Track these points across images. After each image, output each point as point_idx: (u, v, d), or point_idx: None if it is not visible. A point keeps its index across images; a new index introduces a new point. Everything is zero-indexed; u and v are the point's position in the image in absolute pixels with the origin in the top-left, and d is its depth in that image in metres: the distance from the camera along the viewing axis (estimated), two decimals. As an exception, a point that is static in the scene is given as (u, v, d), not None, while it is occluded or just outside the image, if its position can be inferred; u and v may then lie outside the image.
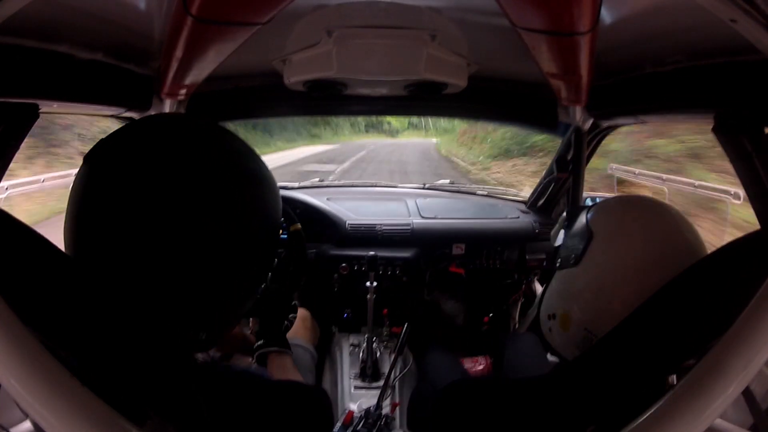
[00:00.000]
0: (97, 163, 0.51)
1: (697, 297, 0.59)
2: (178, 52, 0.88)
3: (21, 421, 0.73)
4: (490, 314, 2.18)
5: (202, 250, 0.50)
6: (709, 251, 0.69)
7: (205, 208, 0.50)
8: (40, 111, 0.89)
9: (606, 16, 0.84)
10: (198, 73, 1.07)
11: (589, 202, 1.91)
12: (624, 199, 0.84)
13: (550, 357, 1.72)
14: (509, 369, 1.60)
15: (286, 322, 1.17)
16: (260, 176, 0.56)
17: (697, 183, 1.86)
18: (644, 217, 0.75)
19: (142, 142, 0.52)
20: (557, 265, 0.83)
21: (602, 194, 2.10)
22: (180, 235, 0.49)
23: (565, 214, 0.89)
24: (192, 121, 0.57)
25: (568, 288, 0.80)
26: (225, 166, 0.53)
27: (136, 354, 0.49)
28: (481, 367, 1.83)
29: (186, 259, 0.50)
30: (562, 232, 0.88)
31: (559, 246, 0.85)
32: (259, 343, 1.09)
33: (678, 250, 0.71)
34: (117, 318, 0.48)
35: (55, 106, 0.96)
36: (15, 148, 0.88)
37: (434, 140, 18.70)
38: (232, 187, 0.52)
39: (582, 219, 0.81)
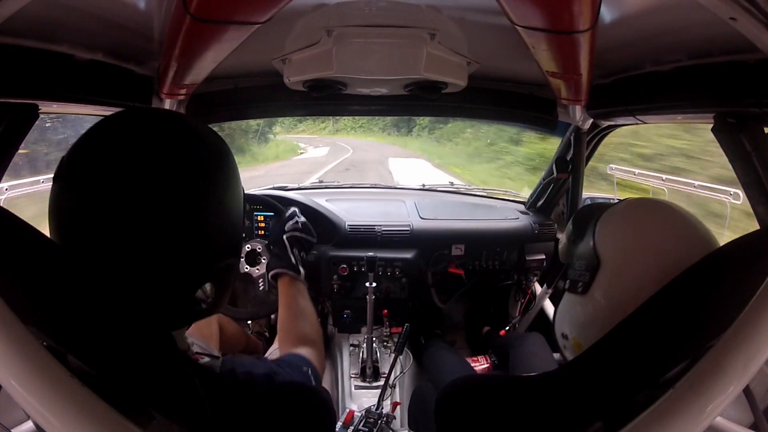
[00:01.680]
0: (64, 177, 0.54)
1: (697, 297, 0.59)
2: (178, 52, 0.88)
3: (23, 421, 0.73)
4: (488, 327, 2.18)
5: (154, 241, 0.52)
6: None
7: (151, 202, 0.52)
8: (40, 111, 0.89)
9: (606, 14, 0.84)
10: (198, 73, 1.07)
11: (588, 203, 1.91)
12: (630, 209, 0.77)
13: (557, 356, 1.73)
14: (516, 368, 1.60)
15: (301, 254, 1.22)
16: (211, 172, 0.58)
17: (697, 183, 1.86)
18: (654, 234, 0.69)
19: (98, 151, 0.54)
20: (566, 287, 0.80)
21: (602, 195, 2.10)
22: (136, 228, 0.52)
23: (571, 224, 0.84)
24: (152, 119, 0.58)
25: (577, 317, 0.77)
26: (175, 164, 0.54)
27: (128, 347, 0.50)
28: (483, 367, 1.83)
29: (143, 249, 0.52)
30: (564, 246, 0.86)
31: (567, 264, 0.82)
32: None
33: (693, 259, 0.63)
34: (105, 312, 0.49)
35: (54, 107, 0.96)
36: (15, 148, 0.88)
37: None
38: (182, 183, 0.54)
39: (588, 239, 0.76)
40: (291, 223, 1.24)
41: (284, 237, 1.22)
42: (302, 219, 1.27)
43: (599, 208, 0.80)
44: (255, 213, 1.90)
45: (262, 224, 1.91)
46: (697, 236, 0.68)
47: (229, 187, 0.60)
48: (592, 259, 0.73)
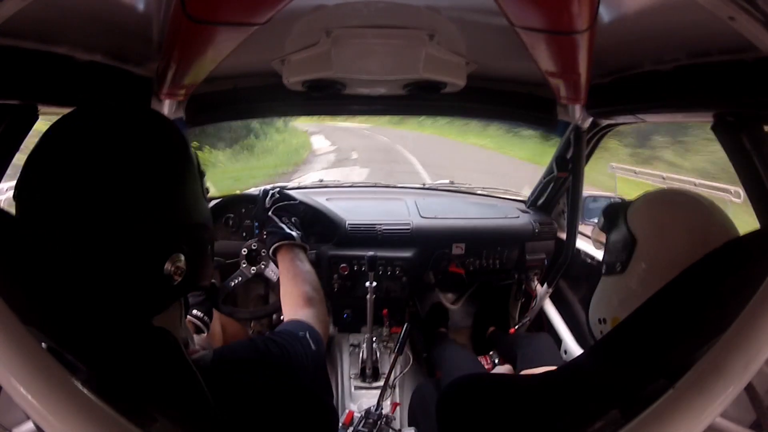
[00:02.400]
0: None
1: (697, 295, 0.59)
2: (177, 53, 0.88)
3: (23, 421, 0.73)
4: (493, 327, 2.18)
5: (107, 213, 0.53)
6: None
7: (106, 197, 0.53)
8: (39, 112, 0.89)
9: (604, 14, 0.84)
10: (197, 74, 1.07)
11: (589, 201, 1.91)
12: (659, 196, 0.82)
13: (564, 355, 1.73)
14: (525, 367, 1.60)
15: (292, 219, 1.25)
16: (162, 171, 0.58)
17: (697, 182, 1.87)
18: (686, 217, 0.75)
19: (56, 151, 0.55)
20: (603, 271, 0.83)
21: (604, 194, 2.10)
22: (89, 205, 0.52)
23: (602, 215, 0.88)
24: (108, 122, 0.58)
25: (616, 294, 0.80)
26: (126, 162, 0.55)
27: (125, 345, 0.50)
28: (486, 367, 1.83)
29: (99, 223, 0.53)
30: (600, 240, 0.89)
31: (604, 252, 0.85)
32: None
33: (719, 238, 0.68)
34: (96, 307, 0.50)
35: (53, 108, 0.96)
36: (15, 148, 0.88)
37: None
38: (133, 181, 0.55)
39: (621, 224, 0.80)
40: (268, 198, 1.28)
41: (269, 213, 1.24)
42: (275, 188, 1.31)
43: (625, 202, 0.84)
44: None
45: None
46: (720, 215, 0.74)
47: (176, 156, 0.61)
48: (628, 239, 0.78)
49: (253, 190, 2.06)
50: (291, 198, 1.30)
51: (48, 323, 0.47)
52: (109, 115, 0.58)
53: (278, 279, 1.76)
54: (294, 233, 1.19)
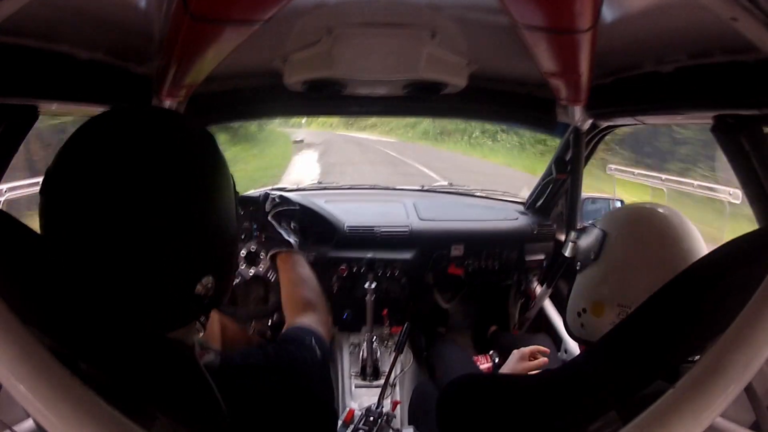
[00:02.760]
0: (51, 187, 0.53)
1: (697, 295, 0.59)
2: (178, 52, 0.88)
3: (24, 418, 0.73)
4: (495, 327, 2.18)
5: (145, 237, 0.51)
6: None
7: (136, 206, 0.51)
8: (40, 111, 0.89)
9: (606, 14, 0.84)
10: (198, 73, 1.07)
11: (588, 203, 1.92)
12: (629, 207, 0.92)
13: (563, 355, 1.73)
14: None
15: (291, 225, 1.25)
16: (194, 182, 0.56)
17: (696, 183, 1.87)
18: (650, 215, 0.84)
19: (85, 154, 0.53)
20: (578, 268, 0.90)
21: (602, 196, 2.10)
22: (129, 228, 0.51)
23: (573, 233, 0.98)
24: (135, 117, 0.57)
25: (593, 280, 0.87)
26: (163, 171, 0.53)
27: (132, 348, 0.49)
28: (484, 366, 1.83)
29: (136, 246, 0.51)
30: (571, 245, 0.97)
31: (575, 255, 0.93)
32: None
33: (685, 234, 0.80)
34: (108, 314, 0.49)
35: (54, 107, 0.96)
36: (15, 148, 0.88)
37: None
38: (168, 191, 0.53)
39: (592, 229, 0.89)
40: (268, 203, 1.27)
41: (269, 218, 1.24)
42: (276, 193, 1.30)
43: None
44: (254, 214, 1.90)
45: None
46: (690, 228, 0.82)
47: (218, 178, 0.60)
48: (598, 235, 0.86)
49: (253, 193, 2.06)
50: (291, 203, 1.29)
51: (56, 324, 0.47)
52: (152, 132, 0.55)
53: (276, 279, 1.77)
54: (292, 240, 1.19)
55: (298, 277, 1.11)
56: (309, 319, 0.93)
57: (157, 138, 0.55)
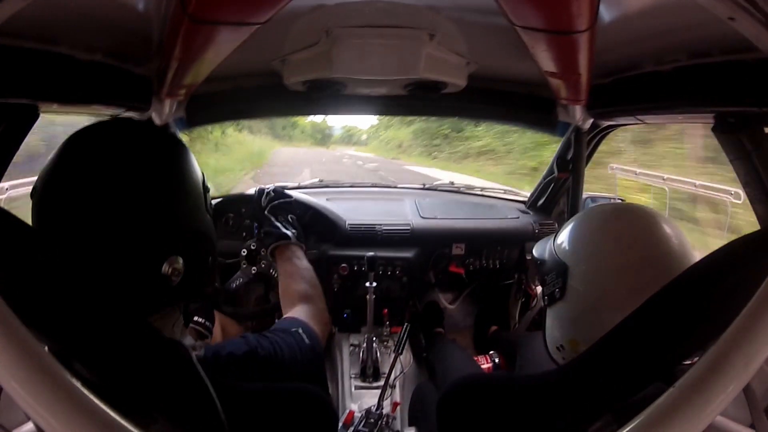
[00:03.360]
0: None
1: (697, 296, 0.59)
2: (177, 53, 0.88)
3: (23, 422, 0.73)
4: (496, 327, 2.18)
5: (111, 212, 0.58)
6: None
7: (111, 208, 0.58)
8: (40, 111, 0.89)
9: (605, 14, 0.84)
10: (197, 74, 1.07)
11: (589, 202, 1.91)
12: (578, 219, 0.85)
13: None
14: (524, 367, 1.60)
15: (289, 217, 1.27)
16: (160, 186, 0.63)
17: (698, 183, 1.86)
18: (605, 222, 0.80)
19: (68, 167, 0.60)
20: (546, 304, 0.85)
21: (603, 195, 2.10)
22: (99, 206, 0.58)
23: (535, 256, 0.91)
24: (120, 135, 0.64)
25: (564, 320, 0.81)
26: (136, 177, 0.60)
27: (125, 347, 0.51)
28: (484, 367, 1.83)
29: (103, 222, 0.58)
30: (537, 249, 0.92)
31: (543, 287, 0.87)
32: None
33: (659, 245, 0.73)
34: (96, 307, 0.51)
35: (54, 107, 0.96)
36: (15, 148, 0.88)
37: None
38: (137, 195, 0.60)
39: (551, 255, 0.84)
40: (264, 197, 1.28)
41: (265, 213, 1.24)
42: (270, 187, 1.32)
43: (552, 236, 0.89)
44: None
45: None
46: (658, 221, 0.76)
47: (179, 169, 0.66)
48: (558, 265, 0.81)
49: (253, 190, 2.06)
50: (286, 196, 1.30)
51: (50, 324, 0.47)
52: (122, 133, 0.64)
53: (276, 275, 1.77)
54: (290, 232, 1.19)
55: (294, 268, 1.11)
56: (301, 311, 0.94)
57: (128, 144, 0.63)
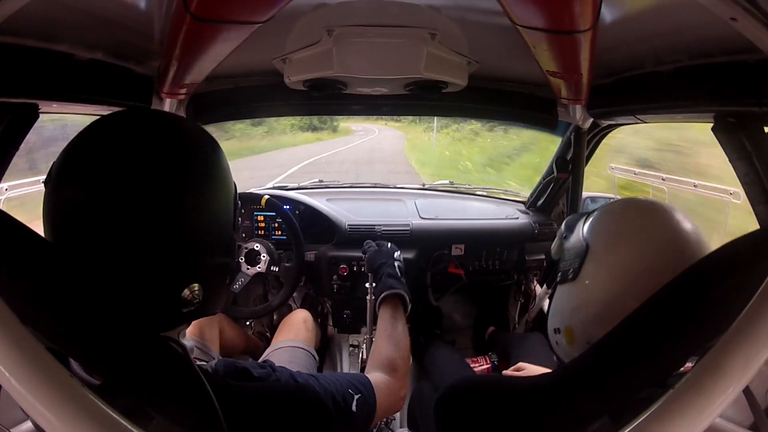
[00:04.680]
0: (55, 181, 0.56)
1: (697, 296, 0.59)
2: (178, 52, 0.88)
3: (22, 421, 0.73)
4: (493, 327, 2.18)
5: (137, 240, 0.54)
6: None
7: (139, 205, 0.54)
8: (40, 111, 0.89)
9: (606, 14, 0.84)
10: (198, 73, 1.07)
11: (588, 202, 1.91)
12: (621, 204, 0.82)
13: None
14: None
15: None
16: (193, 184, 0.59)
17: (697, 183, 1.86)
18: (641, 223, 0.74)
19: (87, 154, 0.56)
20: (558, 280, 0.82)
21: (603, 195, 2.10)
22: (121, 227, 0.54)
23: (563, 225, 0.87)
24: (141, 122, 0.59)
25: (568, 303, 0.79)
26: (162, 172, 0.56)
27: (125, 349, 0.50)
28: (482, 367, 1.83)
29: (128, 248, 0.54)
30: (557, 244, 0.88)
31: (559, 259, 0.84)
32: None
33: (678, 252, 0.68)
34: (99, 313, 0.50)
35: (55, 106, 0.96)
36: (15, 148, 0.88)
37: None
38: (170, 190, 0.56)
39: (579, 231, 0.80)
40: (397, 253, 1.34)
41: (395, 263, 1.28)
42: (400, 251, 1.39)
43: (587, 213, 0.83)
44: (255, 213, 1.90)
45: (262, 224, 1.91)
46: (685, 223, 0.72)
47: (215, 187, 0.61)
48: (581, 246, 0.77)
49: (255, 191, 2.06)
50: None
51: (55, 327, 0.47)
52: (153, 140, 0.58)
53: (277, 278, 1.77)
54: (407, 290, 1.21)
55: (393, 330, 1.09)
56: (378, 378, 0.91)
57: (157, 146, 0.57)
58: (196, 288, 0.60)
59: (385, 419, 1.36)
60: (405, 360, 1.03)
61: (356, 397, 0.79)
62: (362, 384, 0.83)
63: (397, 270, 1.24)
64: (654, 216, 0.74)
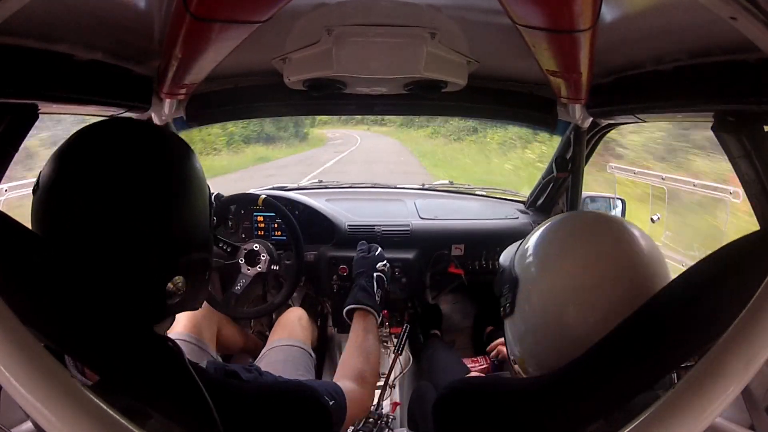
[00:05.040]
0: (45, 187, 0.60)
1: (696, 297, 0.59)
2: (178, 52, 0.88)
3: (22, 421, 0.73)
4: (492, 327, 2.18)
5: (121, 237, 0.59)
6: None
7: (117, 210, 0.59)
8: (40, 111, 0.89)
9: (606, 13, 0.84)
10: (198, 73, 1.07)
11: (588, 202, 1.91)
12: (539, 230, 0.81)
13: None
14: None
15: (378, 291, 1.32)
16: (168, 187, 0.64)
17: (696, 182, 1.87)
18: (564, 246, 0.75)
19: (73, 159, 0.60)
20: (501, 314, 0.84)
21: (602, 194, 2.10)
22: (106, 225, 0.58)
23: (500, 260, 0.90)
24: (119, 130, 0.65)
25: (514, 335, 0.80)
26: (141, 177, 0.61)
27: (120, 347, 0.52)
28: (482, 367, 1.83)
29: (112, 244, 0.59)
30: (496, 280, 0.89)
31: (500, 296, 0.85)
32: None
33: (618, 261, 0.69)
34: (93, 309, 0.53)
35: (54, 107, 0.96)
36: (14, 148, 0.88)
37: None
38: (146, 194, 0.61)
39: (510, 263, 0.81)
40: (381, 263, 1.34)
41: (374, 274, 1.28)
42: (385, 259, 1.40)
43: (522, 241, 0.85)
44: (255, 213, 1.90)
45: (262, 224, 1.91)
46: (622, 232, 0.72)
47: (192, 189, 0.67)
48: (511, 278, 0.79)
49: (254, 191, 2.06)
50: (389, 277, 1.34)
51: (52, 326, 0.48)
52: (134, 139, 0.64)
53: (276, 278, 1.77)
54: (377, 305, 1.23)
55: (363, 342, 1.14)
56: (347, 385, 0.94)
57: (137, 153, 0.62)
58: (180, 281, 0.64)
59: (385, 419, 1.36)
60: (374, 372, 1.07)
61: (331, 403, 0.81)
62: (336, 392, 0.86)
63: (374, 282, 1.26)
64: (581, 234, 0.75)
